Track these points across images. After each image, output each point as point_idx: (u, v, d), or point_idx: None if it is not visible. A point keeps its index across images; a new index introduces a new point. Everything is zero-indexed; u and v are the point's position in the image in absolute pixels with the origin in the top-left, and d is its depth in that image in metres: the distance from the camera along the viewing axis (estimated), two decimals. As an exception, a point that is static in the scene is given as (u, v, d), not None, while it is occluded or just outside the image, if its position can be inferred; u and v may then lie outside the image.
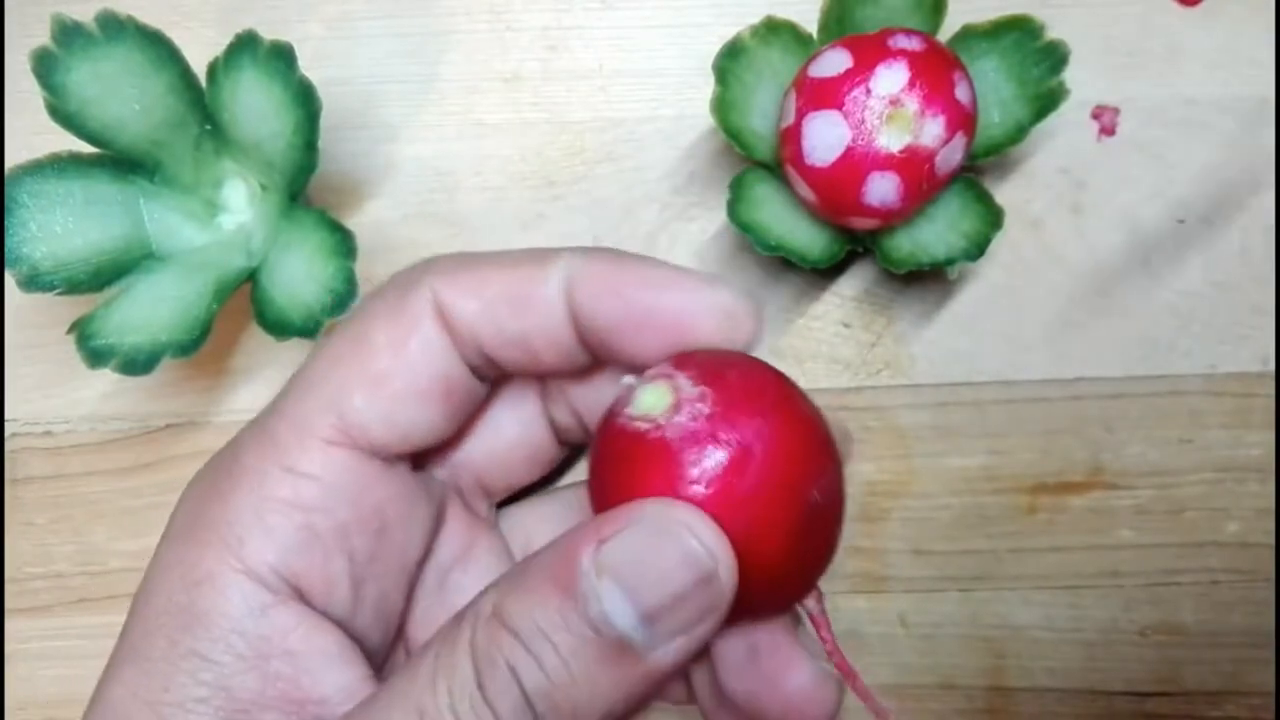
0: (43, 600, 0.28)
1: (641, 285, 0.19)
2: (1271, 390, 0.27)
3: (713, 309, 0.19)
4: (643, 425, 0.18)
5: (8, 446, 0.28)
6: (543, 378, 0.23)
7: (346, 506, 0.19)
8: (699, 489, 0.17)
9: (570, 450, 0.25)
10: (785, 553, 0.17)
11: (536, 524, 0.24)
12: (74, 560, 0.28)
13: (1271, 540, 0.27)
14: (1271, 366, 0.27)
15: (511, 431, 0.23)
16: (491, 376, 0.21)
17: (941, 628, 0.28)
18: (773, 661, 0.20)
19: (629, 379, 0.19)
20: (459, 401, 0.20)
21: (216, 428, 0.28)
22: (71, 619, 0.28)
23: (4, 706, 0.28)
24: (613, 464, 0.18)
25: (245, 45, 0.23)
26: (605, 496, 0.18)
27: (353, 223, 0.28)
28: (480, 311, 0.20)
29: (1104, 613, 0.28)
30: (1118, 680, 0.28)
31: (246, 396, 0.28)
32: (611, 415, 0.18)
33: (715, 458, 0.17)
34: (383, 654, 0.21)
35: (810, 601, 0.19)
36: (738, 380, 0.18)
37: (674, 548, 0.16)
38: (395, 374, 0.19)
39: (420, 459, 0.22)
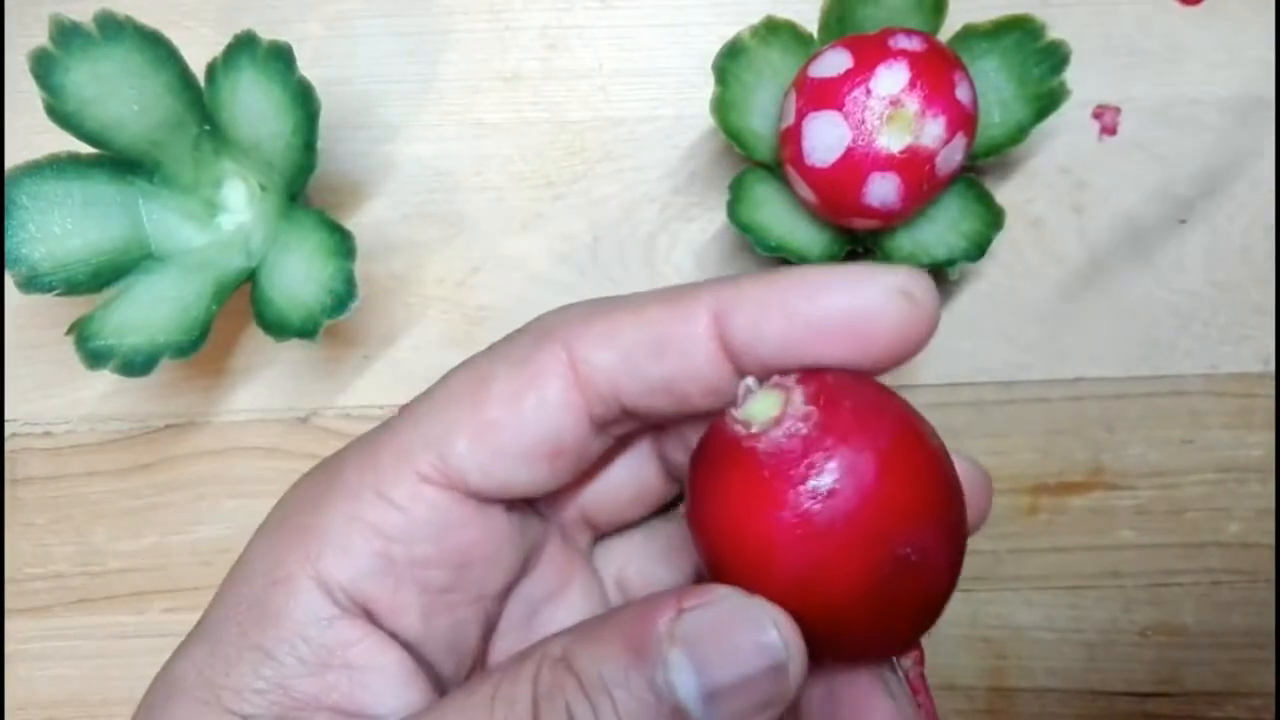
0: (43, 600, 0.28)
1: (803, 294, 0.18)
2: (1272, 390, 0.27)
3: (889, 297, 0.18)
4: (740, 430, 0.17)
5: (8, 446, 0.28)
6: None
7: (427, 542, 0.19)
8: (776, 512, 0.16)
9: (682, 487, 0.25)
10: (859, 603, 0.17)
11: (631, 559, 0.24)
12: (74, 560, 0.28)
13: (1272, 541, 0.27)
14: (1272, 367, 0.27)
15: (620, 473, 0.23)
16: (623, 431, 0.21)
17: (942, 628, 0.28)
18: (851, 703, 0.19)
19: (750, 380, 0.18)
20: (568, 461, 0.20)
21: (216, 428, 0.28)
22: (71, 619, 0.28)
23: (4, 706, 0.28)
24: (704, 462, 0.18)
25: (244, 45, 0.23)
26: (692, 492, 0.18)
27: (352, 223, 0.28)
28: (618, 361, 0.19)
29: (1104, 613, 0.28)
30: (1118, 680, 0.28)
31: (246, 397, 0.28)
32: (722, 411, 0.18)
33: (799, 484, 0.16)
34: (456, 682, 0.21)
35: (906, 661, 0.18)
36: (853, 408, 0.17)
37: (750, 632, 0.16)
38: (504, 427, 0.19)
39: (519, 502, 0.21)
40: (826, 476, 0.16)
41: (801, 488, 0.16)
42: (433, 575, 0.20)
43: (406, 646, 0.20)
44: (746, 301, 0.18)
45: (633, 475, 0.23)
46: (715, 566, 0.18)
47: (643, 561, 0.24)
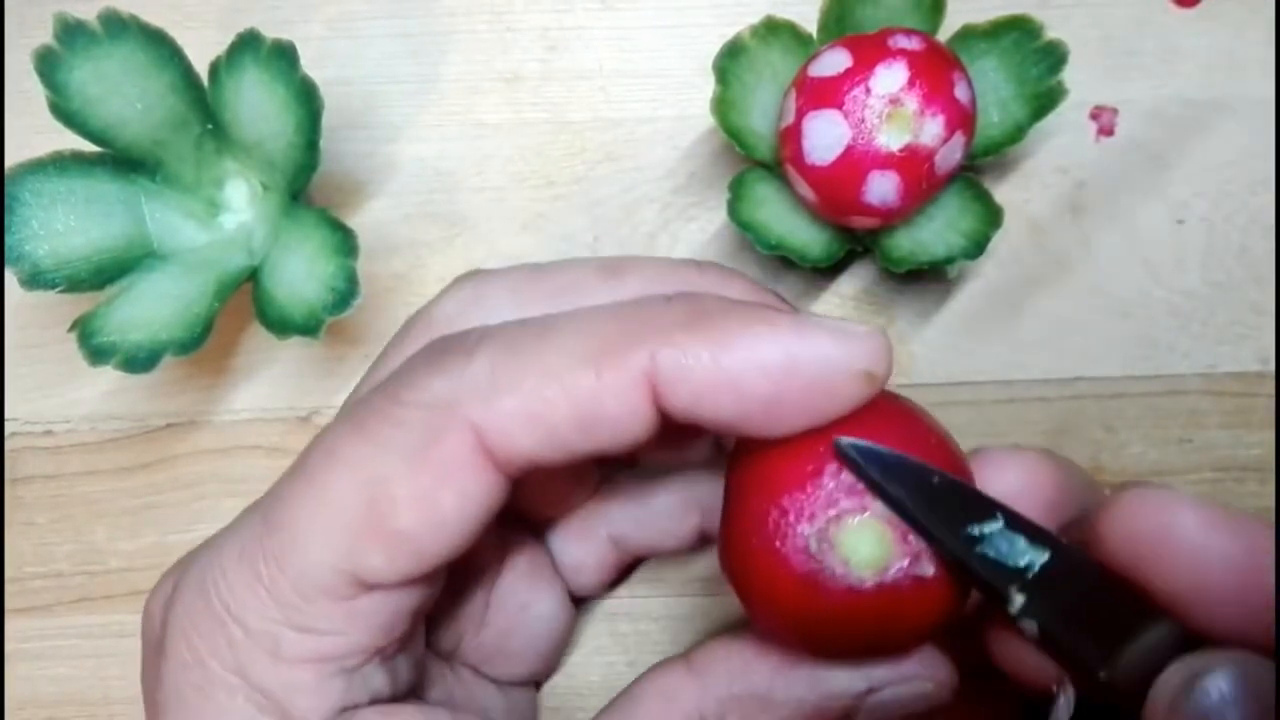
0: (43, 600, 0.28)
1: (761, 372, 0.16)
2: (1271, 390, 0.27)
3: (851, 381, 0.16)
4: (859, 578, 0.16)
5: (8, 446, 0.28)
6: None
7: (377, 639, 0.18)
8: (827, 595, 0.16)
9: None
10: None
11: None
12: (74, 560, 0.28)
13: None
14: (1271, 366, 0.27)
15: (558, 476, 0.22)
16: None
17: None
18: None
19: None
20: (493, 517, 0.18)
21: (217, 427, 0.28)
22: (71, 619, 0.28)
23: (4, 706, 0.28)
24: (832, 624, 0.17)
25: (247, 44, 0.23)
26: (740, 547, 0.17)
27: (354, 222, 0.28)
28: (538, 441, 0.17)
29: (1104, 612, 0.28)
30: (1118, 680, 0.28)
31: (247, 396, 0.28)
32: (802, 564, 0.16)
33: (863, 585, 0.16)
34: (419, 676, 0.21)
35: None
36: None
37: None
38: (420, 534, 0.17)
39: None
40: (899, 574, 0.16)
41: (858, 594, 0.16)
42: (389, 650, 0.19)
43: (392, 698, 0.19)
44: (690, 373, 0.16)
45: (570, 476, 0.23)
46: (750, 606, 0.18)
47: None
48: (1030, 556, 0.15)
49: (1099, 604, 0.16)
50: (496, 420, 0.16)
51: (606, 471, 0.24)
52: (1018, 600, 0.15)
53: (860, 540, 0.16)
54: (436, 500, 0.17)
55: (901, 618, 0.17)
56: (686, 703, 0.18)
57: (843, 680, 0.18)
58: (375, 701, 0.18)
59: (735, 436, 0.18)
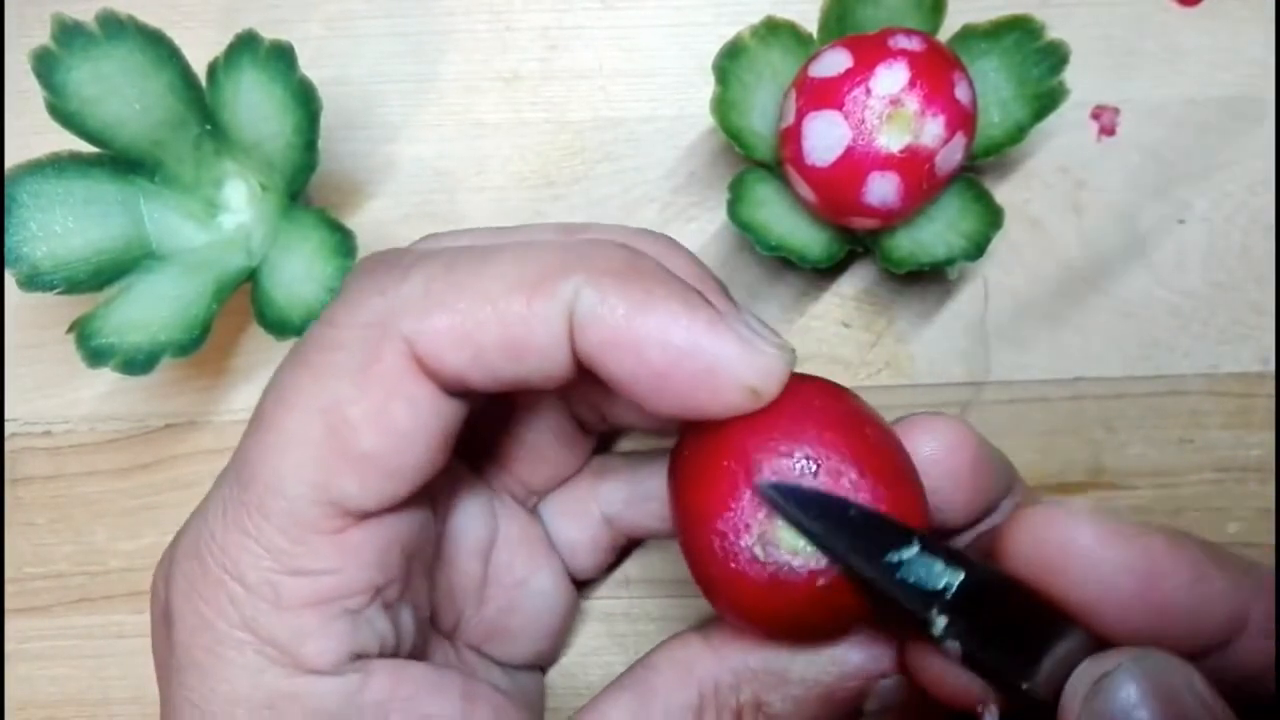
0: (43, 600, 0.28)
1: (661, 345, 0.17)
2: (1272, 390, 0.27)
3: (738, 393, 0.17)
4: (818, 562, 0.17)
5: (8, 446, 0.28)
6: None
7: (375, 574, 0.18)
8: (759, 578, 0.17)
9: (602, 436, 0.25)
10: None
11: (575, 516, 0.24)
12: (74, 560, 0.28)
13: (1272, 540, 0.27)
14: (1272, 367, 0.27)
15: (540, 441, 0.23)
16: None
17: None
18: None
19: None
20: (454, 433, 0.19)
21: (216, 428, 0.28)
22: (71, 619, 0.28)
23: (4, 706, 0.28)
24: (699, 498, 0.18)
25: (245, 45, 0.23)
26: (688, 518, 0.18)
27: (353, 222, 0.28)
28: (469, 363, 0.17)
29: (1104, 613, 0.28)
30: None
31: (246, 396, 0.28)
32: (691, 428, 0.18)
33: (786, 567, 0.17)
34: (425, 640, 0.21)
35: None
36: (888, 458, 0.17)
37: None
38: (384, 451, 0.17)
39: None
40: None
41: (810, 583, 0.17)
42: (389, 591, 0.19)
43: (394, 652, 0.19)
44: (602, 325, 0.16)
45: (551, 444, 0.23)
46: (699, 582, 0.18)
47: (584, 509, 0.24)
48: (947, 578, 0.16)
49: (1015, 618, 0.16)
50: (428, 336, 0.17)
51: (598, 446, 0.25)
52: (939, 622, 0.16)
53: (787, 532, 0.17)
54: (389, 414, 0.17)
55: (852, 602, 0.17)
56: (703, 673, 0.19)
57: (860, 660, 0.18)
58: (384, 651, 0.19)
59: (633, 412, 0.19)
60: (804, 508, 0.16)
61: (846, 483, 0.17)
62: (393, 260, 0.18)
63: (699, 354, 0.17)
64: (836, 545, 0.16)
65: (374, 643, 0.19)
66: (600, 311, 0.17)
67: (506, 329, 0.17)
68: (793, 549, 0.17)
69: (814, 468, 0.17)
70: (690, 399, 0.17)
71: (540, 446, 0.23)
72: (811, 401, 0.18)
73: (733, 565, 0.17)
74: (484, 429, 0.23)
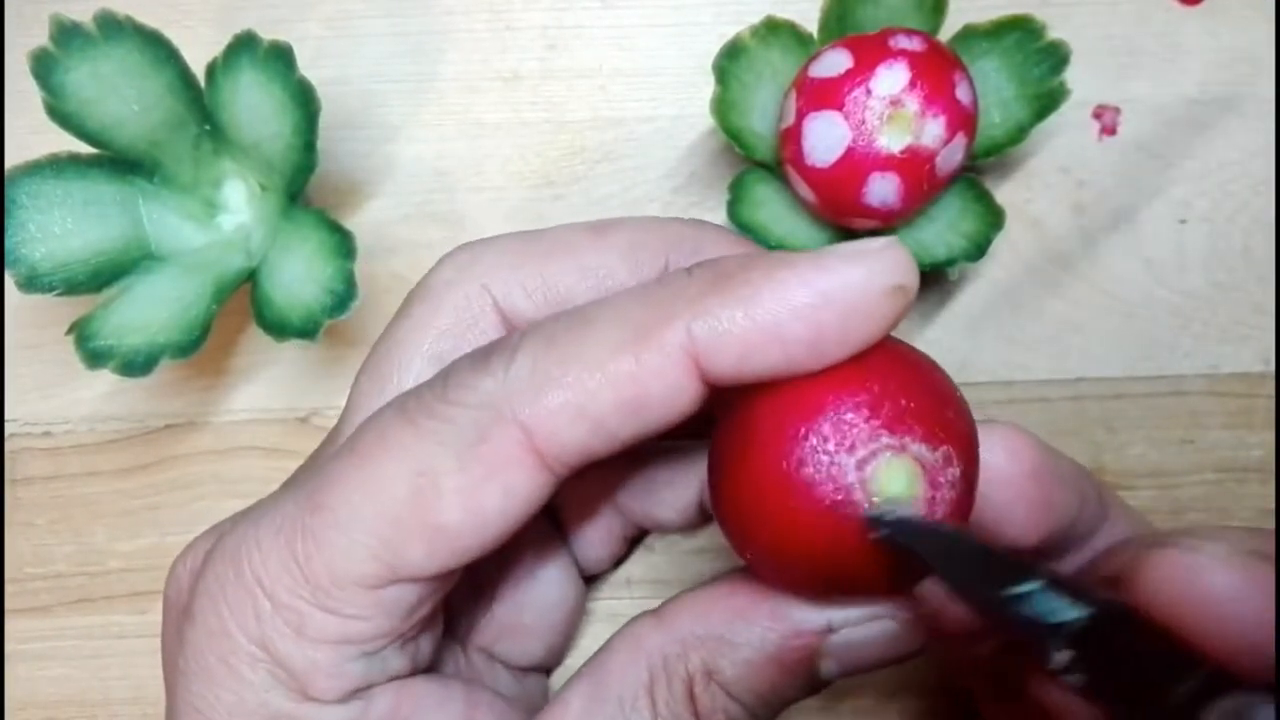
0: (43, 600, 0.28)
1: (794, 316, 0.16)
2: (1273, 391, 0.27)
3: (886, 297, 0.16)
4: (866, 507, 0.16)
5: (8, 447, 0.28)
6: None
7: (399, 625, 0.18)
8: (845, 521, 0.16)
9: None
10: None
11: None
12: (73, 560, 0.28)
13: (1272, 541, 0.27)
14: (1273, 367, 0.27)
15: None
16: None
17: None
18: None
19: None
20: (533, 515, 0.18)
21: (216, 428, 0.28)
22: (71, 619, 0.28)
23: (4, 706, 0.28)
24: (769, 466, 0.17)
25: (244, 45, 0.23)
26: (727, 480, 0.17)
27: (352, 223, 0.28)
28: (587, 432, 0.17)
29: (1105, 613, 0.28)
30: (1118, 681, 0.28)
31: (245, 397, 0.28)
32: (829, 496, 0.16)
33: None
34: (437, 652, 0.21)
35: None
36: (958, 417, 0.17)
37: None
38: (463, 531, 0.17)
39: None
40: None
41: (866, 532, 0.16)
42: (409, 634, 0.19)
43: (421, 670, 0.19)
44: (729, 335, 0.16)
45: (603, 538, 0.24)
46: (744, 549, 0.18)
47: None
48: (1072, 613, 0.16)
49: (1141, 653, 0.16)
50: (543, 417, 0.17)
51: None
52: (1061, 658, 0.16)
53: (893, 477, 0.16)
54: (483, 497, 0.17)
55: (905, 561, 0.16)
56: (651, 647, 0.18)
57: (801, 617, 0.18)
58: (394, 678, 0.19)
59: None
60: (920, 541, 0.16)
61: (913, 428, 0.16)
62: (500, 344, 0.18)
63: (833, 296, 0.16)
64: (955, 574, 0.16)
65: (383, 677, 0.19)
66: (722, 329, 0.16)
67: (620, 392, 0.16)
68: (874, 493, 0.16)
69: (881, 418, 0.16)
70: (851, 335, 0.16)
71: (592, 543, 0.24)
72: (908, 359, 0.17)
73: (809, 472, 0.16)
74: None
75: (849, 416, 0.16)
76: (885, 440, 0.16)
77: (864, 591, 0.18)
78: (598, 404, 0.16)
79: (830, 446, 0.16)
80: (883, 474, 0.16)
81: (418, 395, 0.18)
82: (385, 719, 0.18)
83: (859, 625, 0.18)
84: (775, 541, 0.17)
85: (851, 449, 0.16)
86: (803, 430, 0.16)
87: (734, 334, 0.16)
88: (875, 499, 0.16)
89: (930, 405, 0.17)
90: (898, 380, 0.17)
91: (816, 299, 0.16)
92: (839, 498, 0.16)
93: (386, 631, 0.18)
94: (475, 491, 0.17)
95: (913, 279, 0.17)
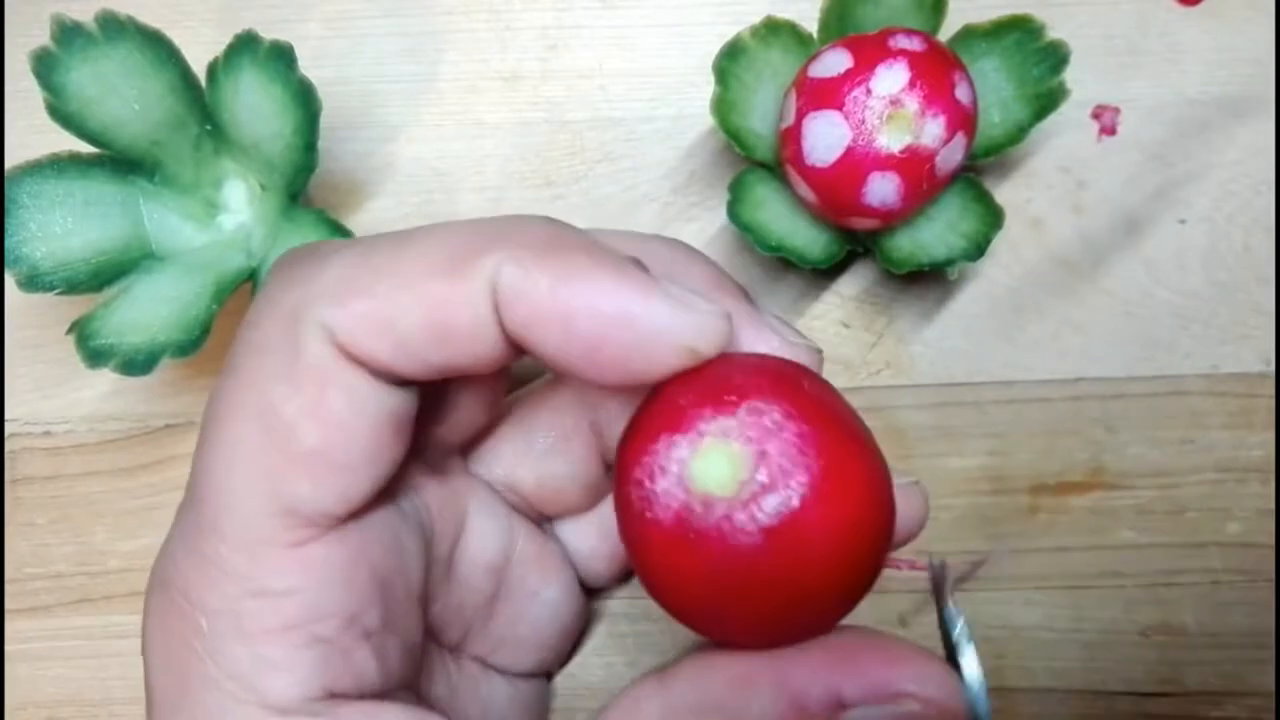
0: (43, 600, 0.28)
1: (589, 314, 0.16)
2: (1273, 391, 0.27)
3: (674, 353, 0.16)
4: (695, 502, 0.15)
5: (8, 447, 0.28)
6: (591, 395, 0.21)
7: (343, 596, 0.17)
8: (702, 554, 0.15)
9: None
10: (759, 624, 0.16)
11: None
12: (73, 560, 0.28)
13: (1273, 541, 0.27)
14: (1273, 367, 0.27)
15: (565, 478, 0.22)
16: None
17: (942, 628, 0.28)
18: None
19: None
20: (406, 421, 0.18)
21: (216, 428, 0.28)
22: (71, 619, 0.28)
23: (4, 707, 0.28)
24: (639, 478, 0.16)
25: (245, 45, 0.23)
26: (620, 492, 0.16)
27: (352, 222, 0.28)
28: (393, 350, 0.16)
29: (1105, 613, 0.28)
30: (1118, 680, 0.28)
31: (246, 397, 0.28)
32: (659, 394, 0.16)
33: (732, 538, 0.15)
34: (417, 671, 0.20)
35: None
36: (831, 488, 0.15)
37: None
38: (329, 445, 0.16)
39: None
40: (765, 529, 0.15)
41: (735, 541, 0.15)
42: (368, 619, 0.18)
43: (382, 693, 0.18)
44: (527, 295, 0.16)
45: (577, 470, 0.22)
46: (631, 551, 0.17)
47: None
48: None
49: None
50: (346, 325, 0.16)
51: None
52: None
53: (709, 463, 0.15)
54: (326, 405, 0.16)
55: (795, 561, 0.15)
56: (650, 711, 0.17)
57: (806, 688, 0.17)
58: (366, 690, 0.18)
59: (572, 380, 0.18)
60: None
61: (784, 434, 0.15)
62: (309, 251, 0.18)
63: (630, 319, 0.16)
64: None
65: (350, 680, 0.17)
66: (523, 286, 0.16)
67: (429, 312, 0.16)
68: (703, 489, 0.15)
69: (753, 421, 0.15)
70: (627, 366, 0.16)
71: (562, 474, 0.23)
72: (766, 367, 0.16)
73: (647, 513, 0.15)
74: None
75: (656, 447, 0.16)
76: (687, 442, 0.15)
77: (814, 617, 0.17)
78: (405, 321, 0.16)
79: (647, 485, 0.15)
80: (698, 465, 0.15)
81: (236, 337, 0.18)
82: None
83: (875, 705, 0.17)
84: (671, 587, 0.16)
85: (663, 473, 0.15)
86: (627, 483, 0.16)
87: (530, 296, 0.16)
88: (697, 490, 0.15)
89: (767, 384, 0.16)
90: (731, 375, 0.16)
91: (615, 314, 0.16)
92: (676, 512, 0.15)
93: (329, 606, 0.17)
94: (318, 406, 0.16)
95: (711, 348, 0.16)
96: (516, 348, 0.17)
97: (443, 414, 0.20)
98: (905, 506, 0.17)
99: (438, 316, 0.16)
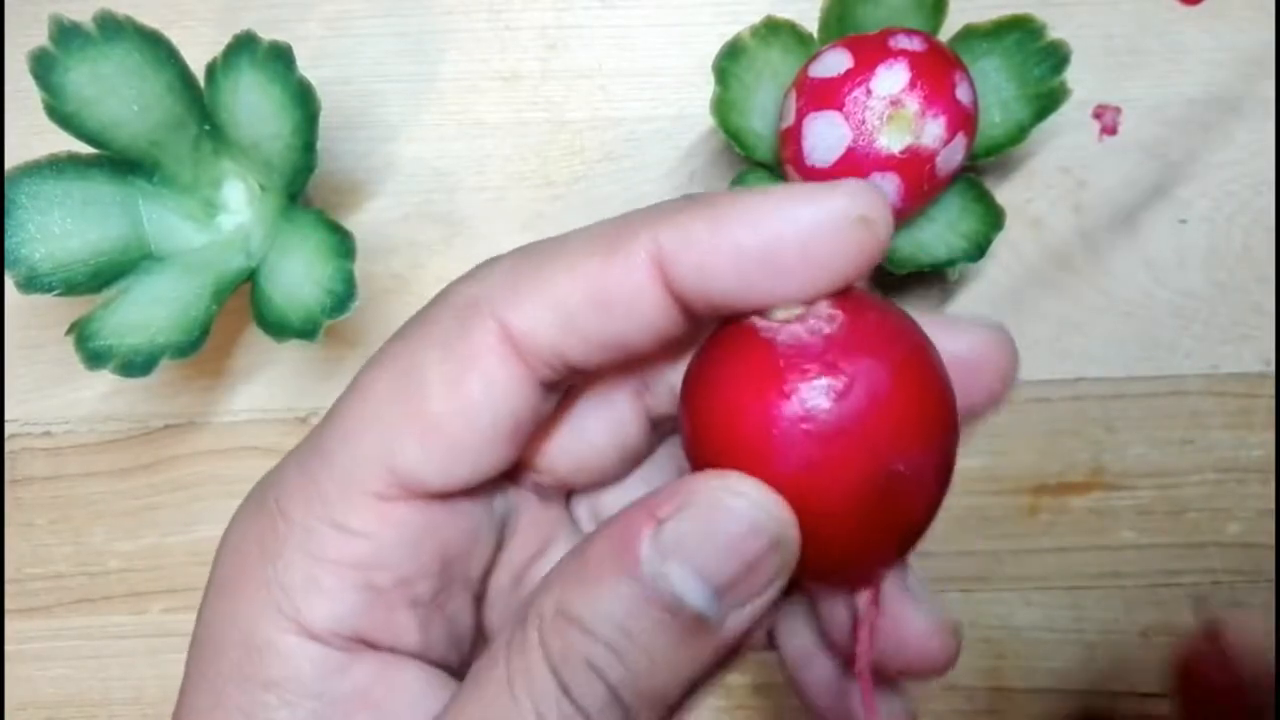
0: (43, 601, 0.28)
1: (751, 228, 0.17)
2: (1273, 391, 0.27)
3: (847, 226, 0.17)
4: (759, 323, 0.17)
5: (8, 447, 0.28)
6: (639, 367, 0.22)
7: (406, 558, 0.18)
8: (783, 403, 0.16)
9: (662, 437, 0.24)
10: (849, 512, 0.16)
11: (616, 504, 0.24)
12: (73, 561, 0.28)
13: (1272, 541, 0.27)
14: (1273, 367, 0.27)
15: (600, 437, 0.22)
16: (571, 381, 0.20)
17: (942, 628, 0.28)
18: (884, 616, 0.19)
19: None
20: (527, 430, 0.19)
21: (215, 429, 0.28)
22: (71, 619, 0.28)
23: (4, 707, 0.28)
24: (712, 352, 0.17)
25: (244, 45, 0.23)
26: (692, 382, 0.17)
27: (352, 222, 0.28)
28: (558, 325, 0.17)
29: (1105, 613, 0.28)
30: (1118, 680, 0.28)
31: (245, 397, 0.28)
32: (732, 317, 0.17)
33: (812, 379, 0.16)
34: (463, 664, 0.21)
35: (862, 598, 0.18)
36: (874, 321, 0.16)
37: (737, 520, 0.16)
38: (453, 419, 0.17)
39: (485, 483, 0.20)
40: (841, 377, 0.16)
41: (814, 383, 0.16)
42: (420, 589, 0.19)
43: (415, 656, 0.19)
44: (692, 244, 0.17)
45: (613, 439, 0.22)
46: (703, 456, 0.17)
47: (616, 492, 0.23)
48: None
49: None
50: (518, 311, 0.17)
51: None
52: None
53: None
54: (465, 384, 0.17)
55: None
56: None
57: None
58: (400, 652, 0.19)
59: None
60: None
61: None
62: (478, 266, 0.19)
63: (795, 218, 0.16)
64: None
65: (385, 636, 0.18)
66: (685, 240, 0.17)
67: (591, 285, 0.17)
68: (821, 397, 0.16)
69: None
70: (810, 265, 0.17)
71: (598, 447, 0.22)
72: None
73: (775, 432, 0.16)
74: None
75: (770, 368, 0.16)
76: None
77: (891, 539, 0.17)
78: (568, 298, 0.17)
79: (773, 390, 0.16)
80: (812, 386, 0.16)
81: (407, 321, 0.19)
82: (354, 693, 0.18)
83: (682, 511, 0.17)
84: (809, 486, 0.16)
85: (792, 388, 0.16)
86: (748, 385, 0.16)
87: (694, 245, 0.17)
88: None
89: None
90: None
91: (777, 221, 0.17)
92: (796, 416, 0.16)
93: (391, 560, 0.18)
94: (458, 380, 0.17)
95: (880, 214, 0.17)
96: (681, 315, 0.18)
97: (576, 453, 0.21)
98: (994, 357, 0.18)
99: (599, 286, 0.17)
